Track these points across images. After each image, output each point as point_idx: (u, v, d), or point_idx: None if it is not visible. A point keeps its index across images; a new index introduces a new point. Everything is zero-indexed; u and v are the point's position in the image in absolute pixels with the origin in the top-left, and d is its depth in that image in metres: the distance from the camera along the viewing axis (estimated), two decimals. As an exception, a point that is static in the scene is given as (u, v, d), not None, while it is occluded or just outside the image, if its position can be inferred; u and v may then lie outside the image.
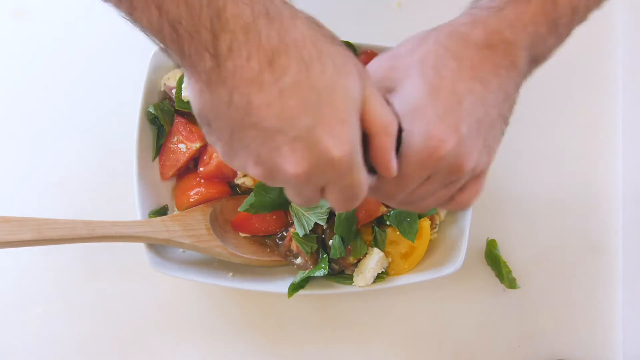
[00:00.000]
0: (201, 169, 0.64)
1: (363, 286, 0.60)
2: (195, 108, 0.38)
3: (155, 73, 0.64)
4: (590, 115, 0.73)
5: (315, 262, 0.60)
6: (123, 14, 0.36)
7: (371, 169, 0.40)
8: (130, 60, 0.67)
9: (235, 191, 0.66)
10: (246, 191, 0.64)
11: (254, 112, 0.35)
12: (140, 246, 0.60)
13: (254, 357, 0.66)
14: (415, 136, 0.40)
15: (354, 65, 0.37)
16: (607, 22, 0.75)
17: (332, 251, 0.59)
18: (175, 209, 0.65)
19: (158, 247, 0.61)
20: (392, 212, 0.60)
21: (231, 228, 0.64)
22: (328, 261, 0.60)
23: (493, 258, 0.67)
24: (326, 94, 0.35)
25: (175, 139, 0.64)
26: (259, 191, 0.60)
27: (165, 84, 0.64)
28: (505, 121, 0.44)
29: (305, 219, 0.60)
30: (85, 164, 0.70)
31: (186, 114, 0.65)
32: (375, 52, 0.62)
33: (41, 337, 0.66)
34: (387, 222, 0.61)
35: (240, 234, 0.64)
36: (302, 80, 0.34)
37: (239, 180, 0.64)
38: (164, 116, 0.64)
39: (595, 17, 0.78)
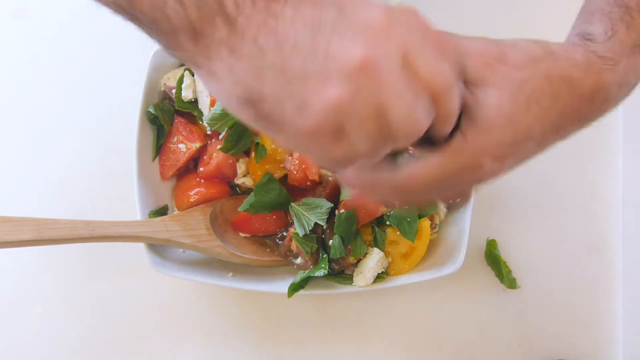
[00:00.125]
0: (201, 169, 0.64)
1: (363, 286, 0.60)
2: (233, 93, 0.35)
3: (155, 73, 0.64)
4: (590, 115, 0.73)
5: (315, 262, 0.60)
6: (122, 11, 0.35)
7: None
8: (130, 60, 0.67)
9: (235, 191, 0.66)
10: (246, 191, 0.64)
11: (284, 39, 0.33)
12: (140, 246, 0.60)
13: (254, 357, 0.66)
14: (469, 145, 0.39)
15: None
16: (607, 22, 0.75)
17: (332, 251, 0.59)
18: (175, 209, 0.65)
19: (158, 247, 0.61)
20: (392, 212, 0.60)
21: (231, 228, 0.64)
22: (328, 261, 0.60)
23: (493, 258, 0.67)
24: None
25: (175, 139, 0.64)
26: (259, 191, 0.60)
27: (165, 84, 0.64)
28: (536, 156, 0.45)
29: (305, 219, 0.60)
30: (85, 164, 0.70)
31: (186, 114, 0.65)
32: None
33: (41, 337, 0.66)
34: (387, 222, 0.61)
35: (240, 234, 0.64)
36: None
37: (239, 180, 0.64)
38: (164, 116, 0.64)
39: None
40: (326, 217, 0.59)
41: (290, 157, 0.62)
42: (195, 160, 0.65)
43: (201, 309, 0.67)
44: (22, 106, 0.72)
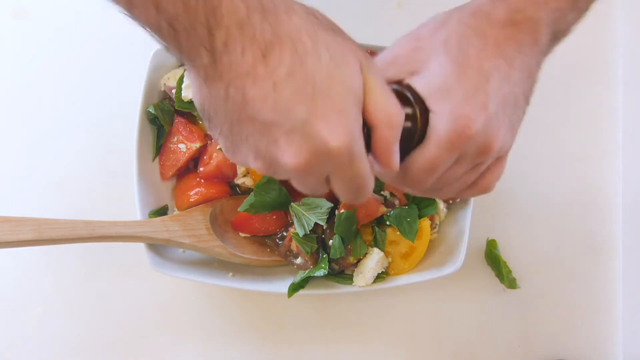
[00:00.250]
0: (201, 169, 0.64)
1: (363, 286, 0.60)
2: (196, 103, 0.38)
3: (155, 73, 0.64)
4: (591, 115, 0.73)
5: (315, 262, 0.60)
6: (122, 11, 0.36)
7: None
8: (130, 60, 0.67)
9: (235, 191, 0.66)
10: (246, 191, 0.64)
11: (250, 105, 0.35)
12: (140, 246, 0.60)
13: (254, 357, 0.66)
14: (443, 116, 0.40)
15: (353, 55, 0.37)
16: (607, 22, 0.75)
17: (332, 251, 0.59)
18: (175, 209, 0.65)
19: (158, 247, 0.61)
20: (392, 212, 0.60)
21: (231, 228, 0.64)
22: (328, 261, 0.60)
23: (493, 258, 0.67)
24: (321, 84, 0.35)
25: (175, 139, 0.64)
26: (259, 191, 0.60)
27: (165, 84, 0.64)
28: (527, 100, 0.44)
29: (305, 219, 0.60)
30: (85, 164, 0.70)
31: (186, 114, 0.65)
32: (375, 52, 0.62)
33: (41, 337, 0.66)
34: (387, 222, 0.61)
35: (240, 234, 0.64)
36: (296, 71, 0.34)
37: (239, 180, 0.64)
38: (164, 116, 0.64)
39: (595, 17, 0.78)
40: (326, 217, 0.59)
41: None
42: (195, 160, 0.65)
43: (201, 309, 0.67)
44: (22, 106, 0.72)
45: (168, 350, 0.66)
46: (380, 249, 0.61)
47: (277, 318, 0.67)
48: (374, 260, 0.60)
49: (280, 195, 0.61)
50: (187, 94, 0.63)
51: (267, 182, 0.60)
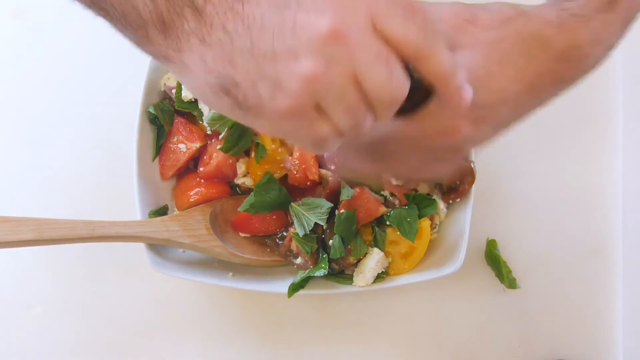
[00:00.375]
0: (201, 169, 0.64)
1: (363, 286, 0.60)
2: (206, 83, 0.35)
3: (155, 73, 0.64)
4: (590, 115, 0.73)
5: (315, 262, 0.60)
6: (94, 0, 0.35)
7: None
8: (130, 60, 0.67)
9: (235, 191, 0.66)
10: (246, 191, 0.64)
11: (251, 22, 0.32)
12: (140, 246, 0.60)
13: (254, 357, 0.66)
14: (439, 106, 0.39)
15: None
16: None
17: (332, 251, 0.59)
18: (175, 209, 0.65)
19: (158, 247, 0.61)
20: (392, 212, 0.60)
21: (231, 228, 0.64)
22: (328, 261, 0.60)
23: (493, 258, 0.67)
24: None
25: (175, 139, 0.64)
26: (259, 191, 0.60)
27: (165, 84, 0.64)
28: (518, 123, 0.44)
29: (305, 219, 0.60)
30: (85, 164, 0.70)
31: (186, 114, 0.65)
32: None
33: (41, 337, 0.66)
34: (387, 222, 0.61)
35: (240, 234, 0.64)
36: None
37: (239, 180, 0.64)
38: (164, 116, 0.64)
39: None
40: (326, 217, 0.59)
41: (290, 157, 0.62)
42: (195, 160, 0.65)
43: (201, 309, 0.67)
44: (22, 106, 0.72)
45: (168, 350, 0.66)
46: (380, 249, 0.61)
47: (277, 318, 0.67)
48: (374, 260, 0.60)
49: (280, 195, 0.61)
50: (187, 94, 0.63)
51: (267, 182, 0.60)
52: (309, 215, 0.60)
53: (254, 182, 0.63)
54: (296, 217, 0.60)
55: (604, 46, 0.41)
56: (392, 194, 0.62)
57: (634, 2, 0.42)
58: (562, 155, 0.72)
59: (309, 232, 0.60)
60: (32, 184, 0.70)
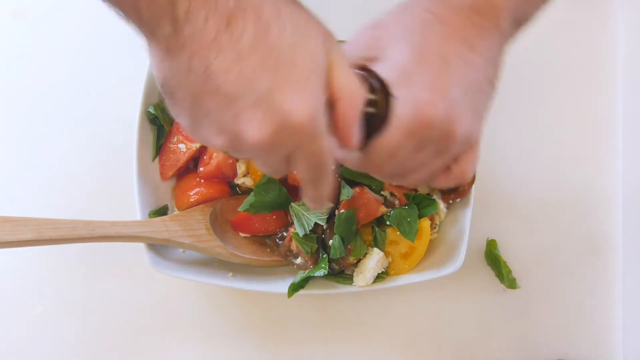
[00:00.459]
0: (201, 169, 0.64)
1: (363, 286, 0.60)
2: (157, 78, 0.37)
3: (156, 73, 0.64)
4: (590, 115, 0.73)
5: (315, 262, 0.60)
6: None
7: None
8: (130, 59, 0.67)
9: (235, 191, 0.66)
10: (246, 191, 0.64)
11: (213, 76, 0.34)
12: (140, 246, 0.60)
13: (254, 357, 0.66)
14: (404, 102, 0.40)
15: (317, 29, 0.37)
16: (607, 22, 0.75)
17: (332, 251, 0.59)
18: (175, 209, 0.65)
19: (158, 247, 0.61)
20: (392, 212, 0.60)
21: (231, 228, 0.64)
22: (328, 261, 0.60)
23: (493, 258, 0.67)
24: (285, 55, 0.34)
25: (175, 139, 0.64)
26: (259, 191, 0.60)
27: (165, 84, 0.64)
28: (492, 85, 0.44)
29: (305, 219, 0.60)
30: (85, 164, 0.70)
31: (186, 114, 0.65)
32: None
33: (41, 337, 0.66)
34: (387, 222, 0.61)
35: (240, 234, 0.64)
36: (260, 41, 0.34)
37: (239, 180, 0.64)
38: (164, 116, 0.64)
39: (595, 17, 0.78)
40: (326, 217, 0.59)
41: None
42: (195, 160, 0.65)
43: (201, 309, 0.67)
44: (22, 106, 0.72)
45: (168, 350, 0.66)
46: (380, 249, 0.61)
47: (277, 318, 0.67)
48: (374, 260, 0.60)
49: (280, 195, 0.61)
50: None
51: (267, 182, 0.60)
52: (309, 215, 0.60)
53: (254, 182, 0.63)
54: (296, 217, 0.60)
55: None
56: (392, 194, 0.62)
57: None
58: (562, 155, 0.72)
59: (309, 232, 0.60)
60: (32, 184, 0.70)
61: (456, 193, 0.63)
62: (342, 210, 0.59)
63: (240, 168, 0.63)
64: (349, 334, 0.66)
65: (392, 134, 0.40)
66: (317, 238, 0.60)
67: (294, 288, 0.59)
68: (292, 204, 0.61)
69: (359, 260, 0.61)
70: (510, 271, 0.66)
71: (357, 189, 0.60)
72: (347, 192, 0.59)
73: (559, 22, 0.75)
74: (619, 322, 0.67)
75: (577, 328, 0.67)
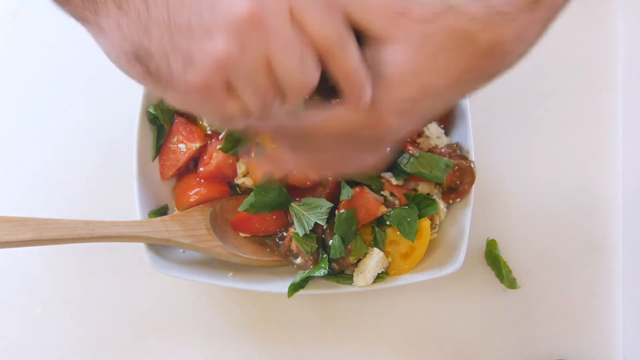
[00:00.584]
0: (201, 169, 0.64)
1: (363, 286, 0.60)
2: (121, 49, 0.35)
3: (155, 73, 0.64)
4: (590, 115, 0.73)
5: (315, 262, 0.60)
6: None
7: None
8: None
9: (235, 191, 0.66)
10: (246, 191, 0.64)
11: (179, 1, 0.33)
12: (140, 246, 0.60)
13: (254, 357, 0.66)
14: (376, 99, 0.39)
15: None
16: (607, 22, 0.75)
17: (332, 251, 0.59)
18: (175, 209, 0.65)
19: (158, 247, 0.61)
20: (392, 212, 0.60)
21: (231, 228, 0.64)
22: (328, 261, 0.60)
23: (493, 258, 0.67)
24: None
25: (175, 139, 0.64)
26: (259, 191, 0.60)
27: (165, 84, 0.64)
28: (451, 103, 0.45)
29: (305, 219, 0.60)
30: (85, 164, 0.70)
31: (186, 114, 0.65)
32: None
33: (41, 337, 0.66)
34: (387, 222, 0.61)
35: (240, 234, 0.64)
36: None
37: (239, 180, 0.64)
38: (164, 116, 0.64)
39: (595, 17, 0.78)
40: (326, 217, 0.59)
41: (290, 157, 0.62)
42: (195, 160, 0.65)
43: (201, 309, 0.67)
44: (22, 106, 0.72)
45: (168, 350, 0.66)
46: (380, 249, 0.61)
47: (277, 318, 0.67)
48: (374, 260, 0.60)
49: (280, 195, 0.61)
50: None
51: (267, 182, 0.60)
52: (309, 215, 0.60)
53: (254, 182, 0.63)
54: (296, 217, 0.60)
55: (527, 44, 0.42)
56: (392, 194, 0.62)
57: (556, 2, 0.42)
58: (562, 155, 0.72)
59: (309, 232, 0.60)
60: (32, 184, 0.70)
61: (456, 193, 0.63)
62: (342, 210, 0.59)
63: (240, 168, 0.64)
64: (349, 334, 0.66)
65: (343, 116, 0.40)
66: (317, 238, 0.60)
67: (294, 288, 0.59)
68: (292, 204, 0.61)
69: (359, 260, 0.61)
70: (510, 271, 0.66)
71: (357, 189, 0.60)
72: (347, 192, 0.59)
73: (559, 22, 0.75)
74: (619, 322, 0.67)
75: (577, 328, 0.67)
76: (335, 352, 0.66)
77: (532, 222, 0.69)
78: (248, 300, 0.67)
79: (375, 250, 0.61)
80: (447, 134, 0.66)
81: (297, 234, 0.60)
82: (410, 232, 0.60)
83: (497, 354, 0.66)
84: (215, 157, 0.63)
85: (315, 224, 0.60)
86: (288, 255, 0.62)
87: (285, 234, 0.63)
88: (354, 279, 0.61)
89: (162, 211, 0.64)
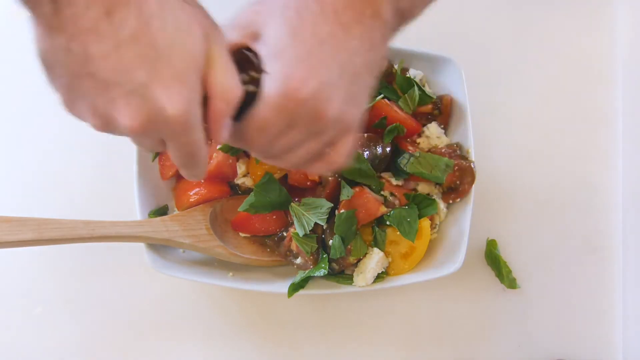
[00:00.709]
0: (201, 169, 0.64)
1: (363, 286, 0.60)
2: (36, 52, 0.37)
3: (155, 73, 0.64)
4: (591, 115, 0.73)
5: (315, 262, 0.60)
6: None
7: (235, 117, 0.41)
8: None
9: (235, 191, 0.66)
10: (246, 191, 0.64)
11: (91, 62, 0.35)
12: (140, 246, 0.60)
13: (254, 357, 0.66)
14: (274, 78, 0.40)
15: (199, 25, 0.37)
16: (607, 22, 0.75)
17: (332, 251, 0.59)
18: (175, 209, 0.65)
19: (158, 247, 0.61)
20: (392, 212, 0.60)
21: (231, 228, 0.64)
22: (328, 261, 0.60)
23: (493, 258, 0.67)
24: (164, 50, 0.35)
25: (175, 139, 0.64)
26: (259, 191, 0.60)
27: (165, 84, 0.64)
28: (370, 72, 0.43)
29: (305, 219, 0.60)
30: (85, 164, 0.70)
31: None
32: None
33: (41, 337, 0.66)
34: (387, 222, 0.61)
35: (240, 234, 0.64)
36: (140, 34, 0.34)
37: (239, 180, 0.64)
38: (164, 116, 0.64)
39: (595, 17, 0.78)
40: (326, 217, 0.59)
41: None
42: (195, 160, 0.65)
43: (201, 309, 0.67)
44: (22, 106, 0.72)
45: (168, 350, 0.66)
46: (380, 249, 0.61)
47: (277, 318, 0.67)
48: (374, 260, 0.60)
49: (280, 195, 0.61)
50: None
51: (267, 182, 0.60)
52: (309, 215, 0.60)
53: (254, 182, 0.63)
54: (296, 217, 0.60)
55: None
56: (392, 194, 0.62)
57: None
58: (562, 155, 0.72)
59: (309, 232, 0.60)
60: (32, 184, 0.70)
61: (456, 193, 0.63)
62: (342, 210, 0.59)
63: (240, 168, 0.64)
64: (349, 334, 0.66)
65: (261, 109, 0.40)
66: (317, 238, 0.60)
67: (294, 288, 0.59)
68: (292, 204, 0.61)
69: (359, 260, 0.61)
70: (510, 271, 0.66)
71: (357, 189, 0.60)
72: (347, 192, 0.59)
73: (559, 21, 0.75)
74: (619, 322, 0.67)
75: (577, 328, 0.67)
76: (335, 352, 0.66)
77: (532, 222, 0.69)
78: (248, 301, 0.67)
79: (375, 250, 0.61)
80: (447, 134, 0.66)
81: (297, 234, 0.60)
82: (410, 232, 0.60)
83: (497, 354, 0.66)
84: (215, 157, 0.63)
85: (315, 224, 0.60)
86: (288, 255, 0.62)
87: (285, 234, 0.63)
88: (354, 279, 0.61)
89: (162, 211, 0.64)
